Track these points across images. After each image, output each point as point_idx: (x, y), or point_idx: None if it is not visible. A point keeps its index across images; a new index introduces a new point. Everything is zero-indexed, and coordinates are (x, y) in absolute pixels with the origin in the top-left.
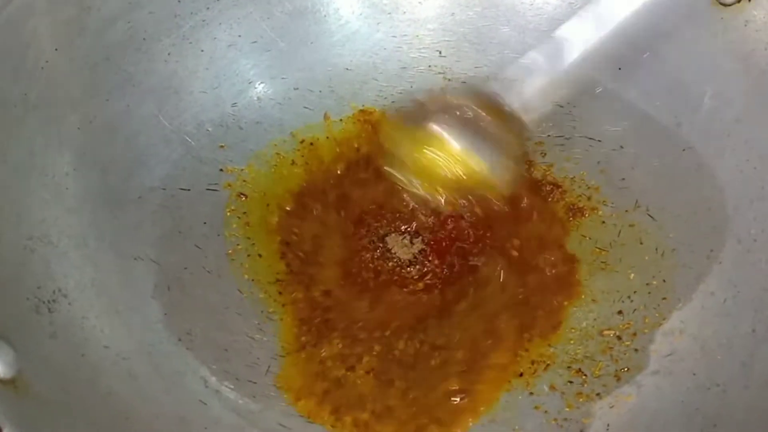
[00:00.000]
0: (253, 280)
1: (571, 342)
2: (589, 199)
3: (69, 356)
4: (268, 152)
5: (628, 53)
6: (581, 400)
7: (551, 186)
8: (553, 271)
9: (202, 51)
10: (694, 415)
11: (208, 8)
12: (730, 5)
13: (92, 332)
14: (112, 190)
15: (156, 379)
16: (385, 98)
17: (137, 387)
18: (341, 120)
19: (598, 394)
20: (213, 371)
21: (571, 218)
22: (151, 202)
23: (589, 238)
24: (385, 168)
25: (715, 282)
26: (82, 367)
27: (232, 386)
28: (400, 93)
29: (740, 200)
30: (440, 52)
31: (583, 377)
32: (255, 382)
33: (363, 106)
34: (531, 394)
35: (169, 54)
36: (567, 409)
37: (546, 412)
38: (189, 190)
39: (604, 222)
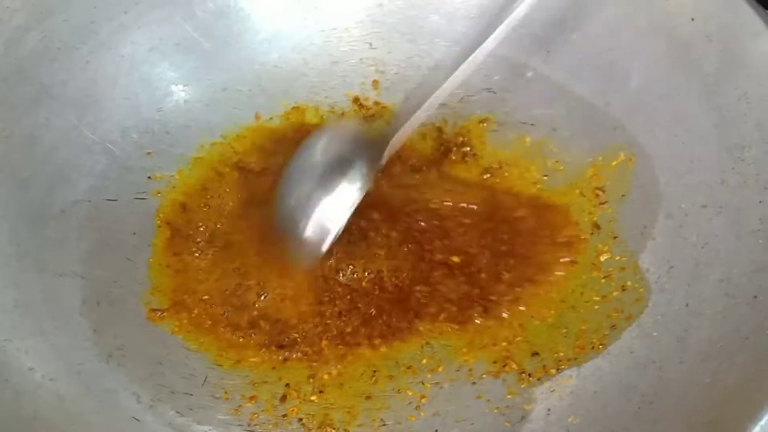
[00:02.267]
0: None
1: None
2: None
3: None
4: (198, 156)
5: (556, 36)
6: (523, 385)
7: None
8: None
9: (123, 56)
10: (631, 393)
11: (125, 12)
12: None
13: (15, 355)
14: (32, 205)
15: (85, 398)
16: (317, 94)
17: (65, 409)
18: (271, 118)
19: (539, 379)
20: (146, 386)
21: None
22: (75, 215)
23: None
24: None
25: (649, 258)
26: (4, 392)
27: (167, 400)
28: (333, 88)
29: (671, 176)
30: (371, 44)
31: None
32: (191, 394)
33: (295, 103)
34: (474, 383)
35: (87, 62)
36: (509, 396)
37: (488, 400)
38: (116, 200)
39: None
